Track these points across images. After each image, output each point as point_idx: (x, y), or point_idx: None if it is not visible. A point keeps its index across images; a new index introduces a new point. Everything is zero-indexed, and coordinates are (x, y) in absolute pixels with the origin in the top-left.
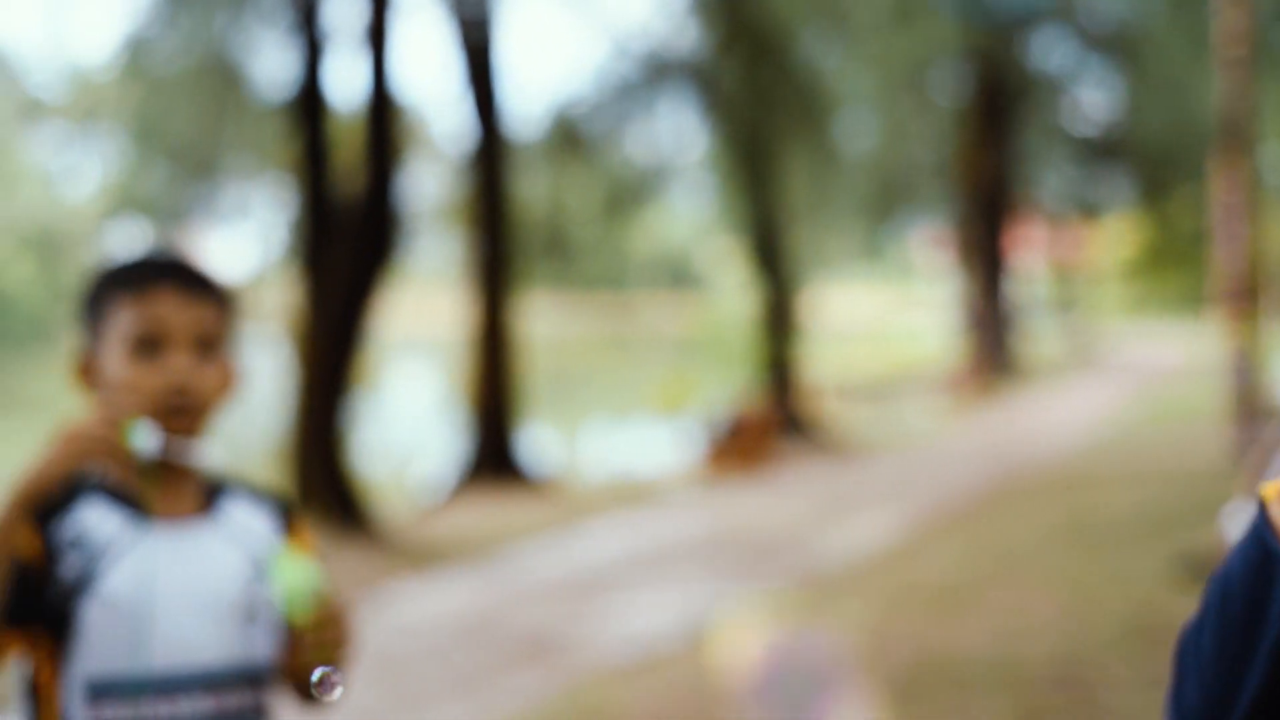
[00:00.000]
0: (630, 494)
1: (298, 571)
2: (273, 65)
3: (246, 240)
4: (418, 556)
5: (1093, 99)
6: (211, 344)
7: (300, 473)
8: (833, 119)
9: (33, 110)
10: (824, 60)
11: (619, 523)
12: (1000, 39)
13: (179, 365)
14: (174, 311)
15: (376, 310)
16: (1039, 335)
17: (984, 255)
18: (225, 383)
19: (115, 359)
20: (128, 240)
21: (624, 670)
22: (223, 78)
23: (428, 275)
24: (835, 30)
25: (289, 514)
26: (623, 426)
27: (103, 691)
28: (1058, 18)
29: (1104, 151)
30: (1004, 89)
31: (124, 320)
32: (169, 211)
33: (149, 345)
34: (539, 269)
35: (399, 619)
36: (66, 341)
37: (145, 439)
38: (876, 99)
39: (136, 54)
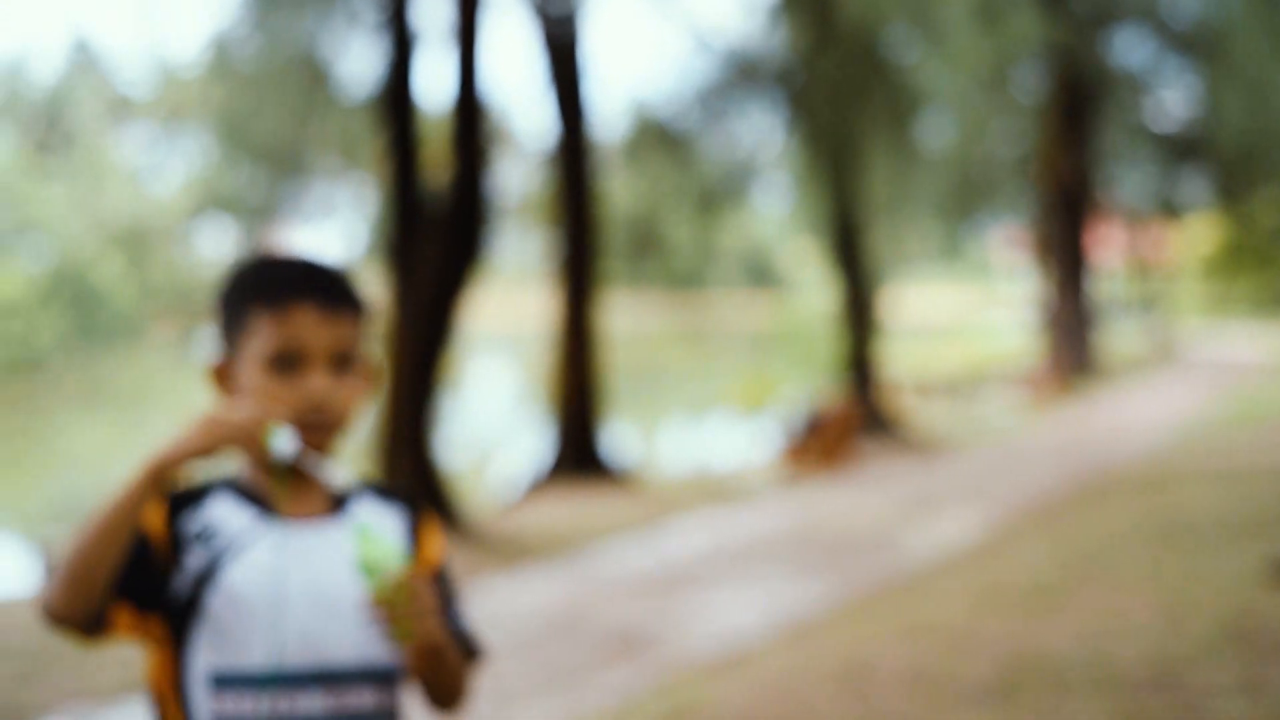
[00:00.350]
0: (712, 490)
1: (378, 546)
2: (359, 63)
3: (332, 238)
4: (504, 551)
5: (1173, 97)
6: (348, 359)
7: (389, 468)
8: (914, 117)
9: (121, 108)
10: (906, 58)
11: (703, 519)
12: (1081, 37)
13: (316, 385)
14: (312, 331)
15: (464, 307)
16: (1118, 333)
17: (1063, 253)
18: (360, 396)
19: (252, 372)
20: (218, 239)
21: (713, 666)
22: (309, 76)
23: (511, 271)
24: (919, 28)
25: (417, 514)
26: (702, 423)
27: (225, 683)
28: (1138, 15)
29: (1184, 150)
30: (1084, 87)
31: (261, 336)
32: (254, 209)
33: (286, 363)
34: (623, 267)
35: (487, 614)
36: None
37: (284, 443)
38: (958, 97)
39: (223, 52)
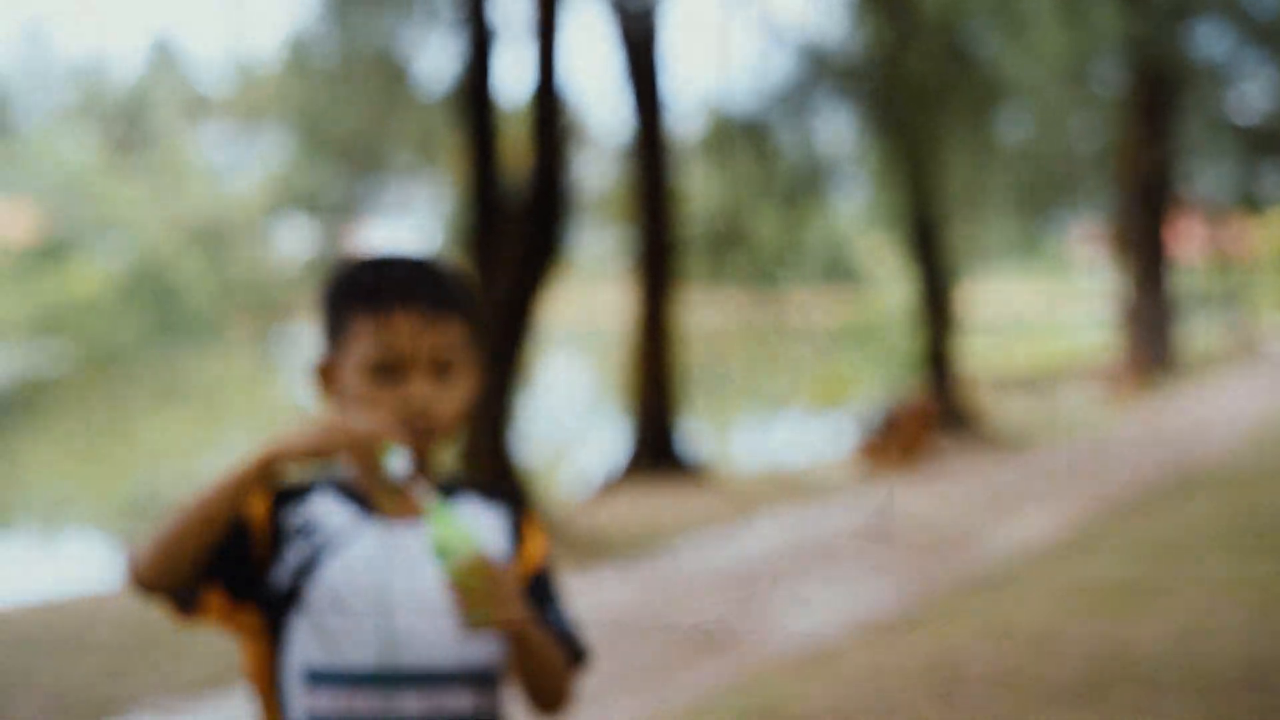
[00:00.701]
0: (789, 487)
1: (454, 528)
2: (437, 60)
3: (409, 234)
4: (583, 548)
5: (1254, 89)
6: (451, 364)
7: (468, 464)
8: (993, 111)
9: (200, 107)
10: (986, 52)
11: (781, 516)
12: (1161, 29)
13: (418, 392)
14: (415, 338)
15: (541, 302)
16: (1198, 329)
17: (1142, 248)
18: (463, 401)
19: (354, 377)
20: (295, 236)
21: (796, 664)
22: (387, 73)
23: (588, 266)
24: (999, 22)
25: (519, 512)
26: (779, 419)
27: (321, 680)
28: (1218, 7)
29: (1265, 142)
30: (1164, 80)
31: (363, 343)
32: (332, 206)
33: (388, 371)
34: (701, 263)
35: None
36: (233, 333)
37: (398, 462)
38: (1037, 91)
39: (301, 50)
